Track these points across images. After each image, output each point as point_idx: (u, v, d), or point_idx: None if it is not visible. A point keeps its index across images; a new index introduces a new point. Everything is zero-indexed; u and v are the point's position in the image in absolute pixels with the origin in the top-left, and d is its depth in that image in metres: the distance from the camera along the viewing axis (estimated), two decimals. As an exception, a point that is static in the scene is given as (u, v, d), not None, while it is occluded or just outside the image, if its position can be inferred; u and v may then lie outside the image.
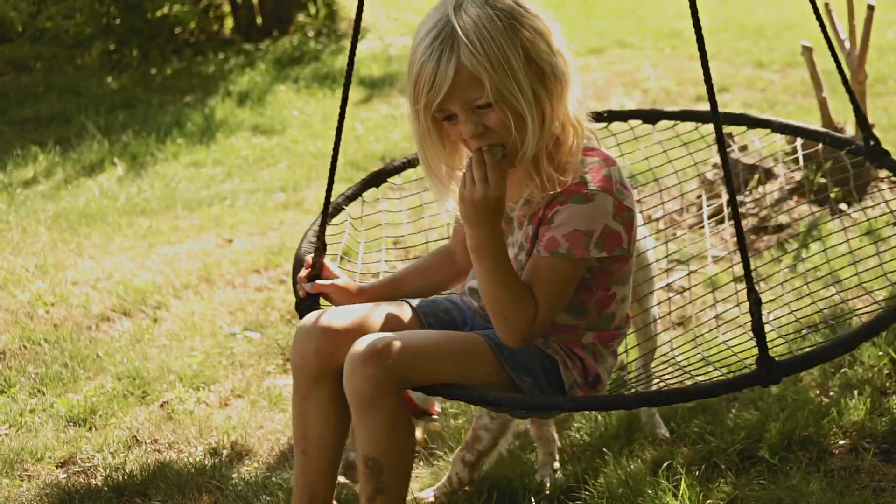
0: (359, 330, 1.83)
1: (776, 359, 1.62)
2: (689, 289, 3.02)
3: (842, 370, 2.72)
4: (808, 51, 4.04)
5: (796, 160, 4.08)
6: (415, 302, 1.96)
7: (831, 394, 2.62)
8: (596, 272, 1.81)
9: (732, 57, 7.25)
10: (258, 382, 2.92)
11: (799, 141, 2.53)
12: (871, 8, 3.78)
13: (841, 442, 2.43)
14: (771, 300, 3.15)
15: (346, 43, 8.84)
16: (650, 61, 7.25)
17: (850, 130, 4.12)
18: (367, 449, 1.74)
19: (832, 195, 3.91)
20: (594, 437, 2.49)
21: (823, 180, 3.96)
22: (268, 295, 3.56)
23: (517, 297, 1.70)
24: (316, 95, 7.17)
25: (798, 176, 4.06)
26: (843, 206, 3.93)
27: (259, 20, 8.93)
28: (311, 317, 1.88)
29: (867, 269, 2.45)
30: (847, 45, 3.93)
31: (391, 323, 1.88)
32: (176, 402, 2.80)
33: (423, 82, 1.65)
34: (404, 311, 1.93)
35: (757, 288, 1.64)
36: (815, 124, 4.06)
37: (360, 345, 1.72)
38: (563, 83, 1.68)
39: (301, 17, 9.01)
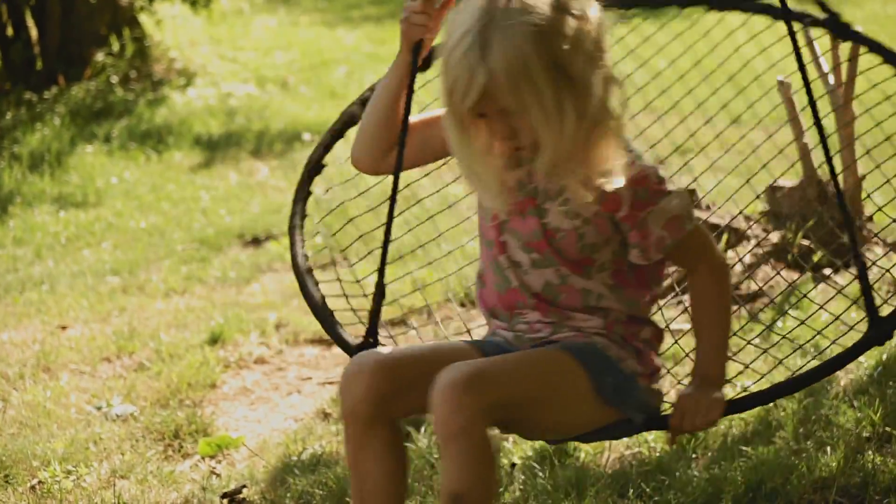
0: (420, 367, 2.61)
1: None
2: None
3: (816, 433, 3.76)
4: (785, 87, 4.92)
5: (771, 219, 5.21)
6: (473, 341, 2.81)
7: (803, 455, 3.64)
8: (652, 265, 2.73)
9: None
10: (142, 465, 3.77)
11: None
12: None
13: (811, 497, 3.45)
14: (739, 373, 4.22)
15: (166, 91, 9.82)
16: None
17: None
18: (454, 484, 2.41)
19: (815, 259, 4.99)
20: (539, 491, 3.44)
21: (806, 242, 5.07)
22: (130, 381, 4.42)
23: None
24: (136, 159, 8.13)
25: (775, 238, 5.16)
26: (827, 270, 5.00)
27: (39, 63, 9.78)
28: (363, 355, 2.59)
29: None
30: (831, 79, 4.73)
31: (455, 358, 2.64)
32: (51, 482, 3.63)
33: (455, 90, 2.48)
34: (466, 351, 2.72)
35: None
36: (794, 179, 5.24)
37: (451, 373, 2.47)
38: (595, 91, 2.50)
39: (100, 57, 9.88)
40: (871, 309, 2.78)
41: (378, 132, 2.79)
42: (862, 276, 2.79)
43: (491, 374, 2.48)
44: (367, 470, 2.57)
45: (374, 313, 2.89)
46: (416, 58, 2.72)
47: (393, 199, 2.82)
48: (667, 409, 2.83)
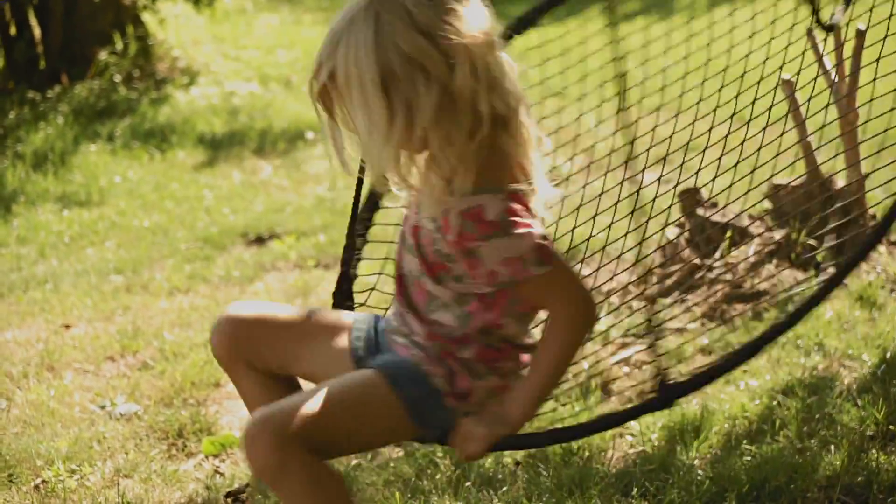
0: (276, 329, 2.81)
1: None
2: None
3: (820, 432, 3.77)
4: (788, 84, 4.99)
5: (775, 217, 5.23)
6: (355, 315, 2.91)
7: (807, 453, 3.65)
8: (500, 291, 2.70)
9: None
10: (146, 464, 3.78)
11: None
12: (861, 33, 4.63)
13: (815, 496, 3.45)
14: (745, 371, 4.23)
15: (170, 90, 9.85)
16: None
17: (840, 181, 5.27)
18: None
19: (819, 258, 5.02)
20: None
21: (810, 241, 5.09)
22: (134, 380, 4.43)
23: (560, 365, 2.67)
24: (139, 158, 8.14)
25: (778, 236, 5.18)
26: (831, 269, 5.04)
27: (42, 62, 9.82)
28: (231, 306, 2.86)
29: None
30: (834, 76, 4.71)
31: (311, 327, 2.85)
32: (55, 481, 3.64)
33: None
34: (329, 323, 2.87)
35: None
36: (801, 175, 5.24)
37: (256, 414, 2.56)
38: (422, 98, 2.49)
39: (103, 56, 9.91)
40: (661, 374, 2.81)
41: None
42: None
43: (293, 411, 2.54)
44: (248, 390, 2.87)
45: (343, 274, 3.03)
46: None
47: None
48: None
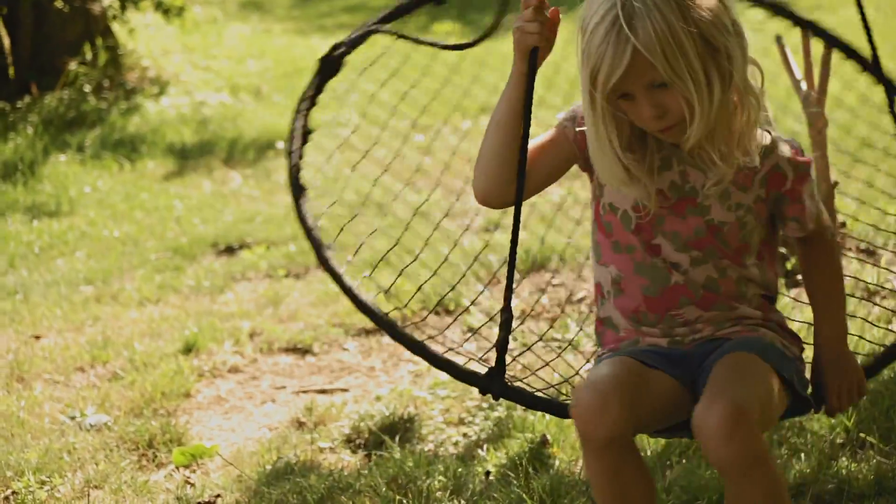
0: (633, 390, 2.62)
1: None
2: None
3: (790, 439, 3.77)
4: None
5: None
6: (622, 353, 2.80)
7: (777, 461, 3.65)
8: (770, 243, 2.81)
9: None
10: (116, 475, 3.75)
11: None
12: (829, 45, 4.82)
13: (785, 503, 3.45)
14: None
15: (140, 100, 9.80)
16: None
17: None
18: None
19: (787, 266, 5.02)
20: None
21: (781, 250, 5.09)
22: (104, 391, 4.40)
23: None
24: (109, 168, 8.11)
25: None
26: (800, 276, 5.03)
27: (12, 72, 9.76)
28: (597, 382, 2.57)
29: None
30: (804, 85, 4.86)
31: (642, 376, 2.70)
32: (24, 492, 3.61)
33: (601, 69, 2.52)
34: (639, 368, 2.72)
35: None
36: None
37: (715, 407, 2.45)
38: (737, 62, 2.57)
39: (73, 66, 9.86)
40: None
41: (504, 152, 2.72)
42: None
43: (746, 399, 2.50)
44: (629, 478, 2.61)
45: (502, 344, 2.81)
46: (534, 66, 2.67)
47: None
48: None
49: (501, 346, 2.78)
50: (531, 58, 2.65)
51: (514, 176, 2.70)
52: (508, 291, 2.77)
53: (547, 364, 3.43)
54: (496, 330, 2.81)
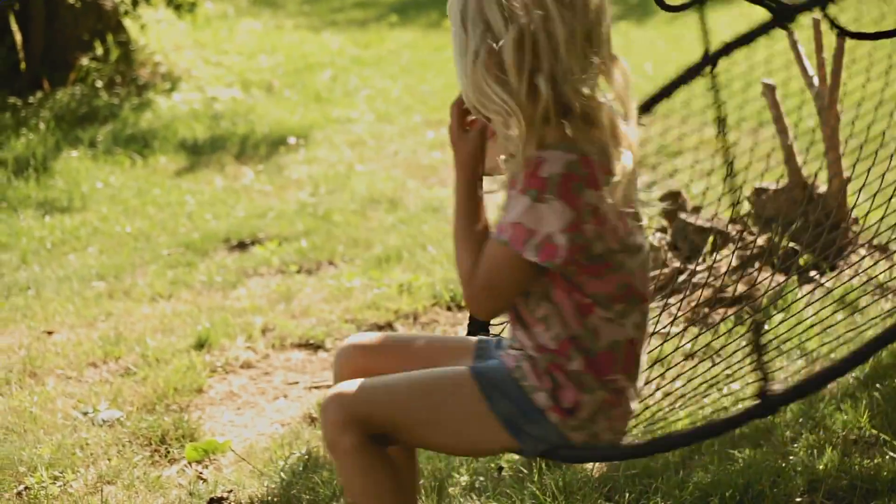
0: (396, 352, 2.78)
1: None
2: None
3: (804, 436, 3.76)
4: (770, 90, 5.02)
5: (758, 221, 5.23)
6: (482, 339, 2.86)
7: (791, 458, 3.64)
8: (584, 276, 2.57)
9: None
10: (129, 470, 3.75)
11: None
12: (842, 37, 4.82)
13: (799, 500, 3.44)
14: (728, 375, 4.21)
15: (152, 95, 9.81)
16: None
17: (823, 186, 5.27)
18: (348, 497, 2.62)
19: (801, 262, 5.02)
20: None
21: (791, 244, 5.09)
22: (116, 386, 4.40)
23: (461, 248, 2.56)
24: (121, 163, 8.12)
25: (761, 240, 5.19)
26: (813, 273, 5.04)
27: (24, 68, 9.77)
28: (352, 336, 2.85)
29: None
30: (816, 81, 4.84)
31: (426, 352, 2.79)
32: (37, 488, 3.61)
33: None
34: (451, 347, 2.83)
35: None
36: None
37: (329, 392, 2.59)
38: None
39: (85, 61, 9.87)
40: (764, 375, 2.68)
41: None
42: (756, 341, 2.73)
43: (367, 393, 2.59)
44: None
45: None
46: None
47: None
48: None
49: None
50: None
51: None
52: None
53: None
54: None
